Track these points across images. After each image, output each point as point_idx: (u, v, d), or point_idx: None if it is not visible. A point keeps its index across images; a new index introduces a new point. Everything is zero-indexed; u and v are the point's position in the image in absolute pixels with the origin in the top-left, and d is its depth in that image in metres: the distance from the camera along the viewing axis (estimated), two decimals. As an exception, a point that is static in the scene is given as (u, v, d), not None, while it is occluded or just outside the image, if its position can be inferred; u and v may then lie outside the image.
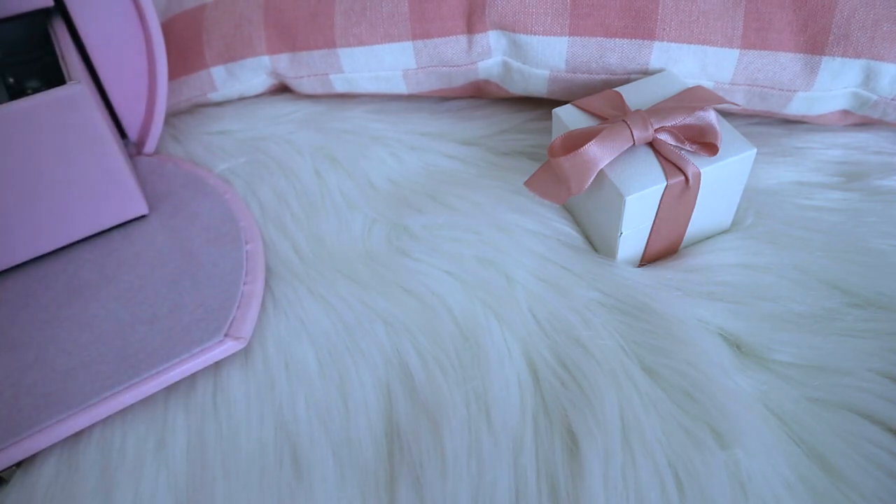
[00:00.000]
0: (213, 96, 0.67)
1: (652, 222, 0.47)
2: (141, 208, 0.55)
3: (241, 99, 0.69)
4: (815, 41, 0.50)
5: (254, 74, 0.65)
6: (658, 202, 0.45)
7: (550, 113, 0.64)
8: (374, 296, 0.50)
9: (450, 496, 0.39)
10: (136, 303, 0.49)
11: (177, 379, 0.45)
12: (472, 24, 0.55)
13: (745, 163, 0.46)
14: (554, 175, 0.47)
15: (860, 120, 0.56)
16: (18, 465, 0.43)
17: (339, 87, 0.63)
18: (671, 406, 0.41)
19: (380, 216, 0.56)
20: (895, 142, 0.57)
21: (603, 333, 0.45)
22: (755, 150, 0.46)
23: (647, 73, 0.54)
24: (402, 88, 0.62)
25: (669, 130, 0.45)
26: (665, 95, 0.50)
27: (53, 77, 0.57)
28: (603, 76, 0.55)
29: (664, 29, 0.51)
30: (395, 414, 0.43)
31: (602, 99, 0.50)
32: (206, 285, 0.50)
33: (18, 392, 0.44)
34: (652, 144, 0.46)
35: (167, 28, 0.68)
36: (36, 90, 0.56)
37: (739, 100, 0.54)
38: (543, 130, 0.62)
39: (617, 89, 0.51)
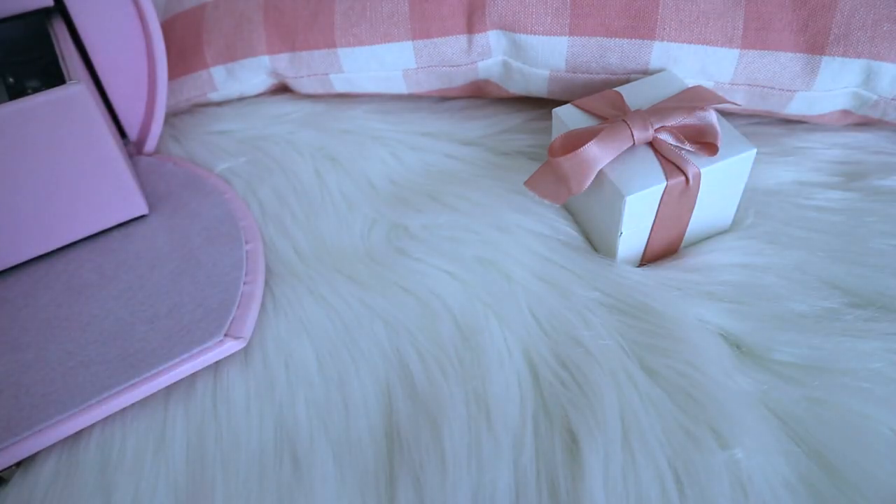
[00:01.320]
0: (213, 96, 0.67)
1: (652, 222, 0.47)
2: (141, 208, 0.55)
3: (241, 99, 0.69)
4: (816, 41, 0.50)
5: (254, 74, 0.65)
6: (658, 202, 0.45)
7: (550, 113, 0.64)
8: (374, 296, 0.50)
9: (450, 496, 0.39)
10: (135, 303, 0.49)
11: (177, 379, 0.45)
12: (472, 23, 0.55)
13: (745, 163, 0.46)
14: (554, 175, 0.47)
15: (860, 120, 0.56)
16: (18, 464, 0.43)
17: (339, 87, 0.63)
18: (671, 406, 0.41)
19: (380, 216, 0.56)
20: (895, 142, 0.57)
21: (603, 333, 0.45)
22: (755, 150, 0.46)
23: (647, 73, 0.54)
24: (402, 88, 0.62)
25: (669, 130, 0.45)
26: (665, 95, 0.50)
27: (53, 77, 0.57)
28: (603, 76, 0.55)
29: (664, 29, 0.51)
30: (395, 414, 0.43)
31: (602, 99, 0.50)
32: (206, 285, 0.50)
33: (18, 392, 0.44)
34: (652, 144, 0.46)
35: (167, 28, 0.68)
36: (36, 90, 0.56)
37: (739, 100, 0.54)
38: (543, 130, 0.62)
39: (617, 89, 0.51)
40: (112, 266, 0.52)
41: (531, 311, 0.47)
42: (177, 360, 0.45)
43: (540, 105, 0.65)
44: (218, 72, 0.65)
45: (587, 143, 0.44)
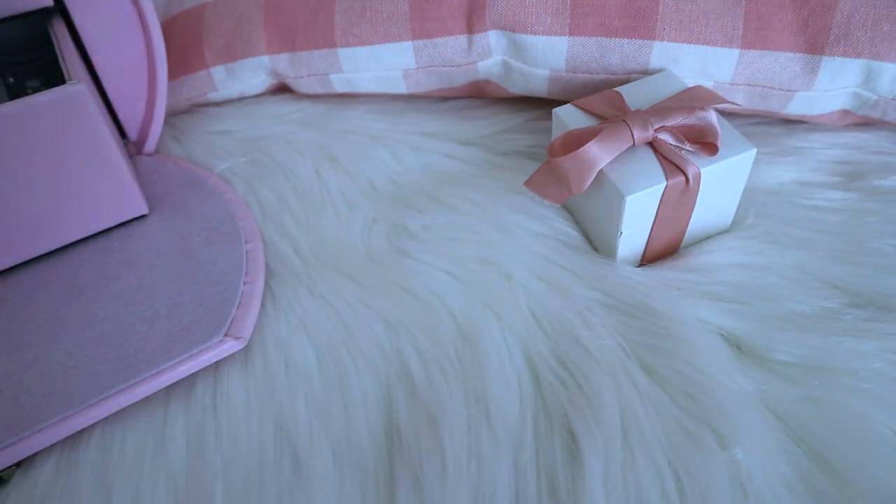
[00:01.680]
0: (213, 96, 0.67)
1: (652, 222, 0.47)
2: (141, 208, 0.55)
3: (241, 99, 0.69)
4: (816, 41, 0.50)
5: (254, 74, 0.65)
6: (658, 202, 0.45)
7: (550, 113, 0.64)
8: (374, 296, 0.50)
9: (450, 496, 0.39)
10: (135, 303, 0.49)
11: (177, 379, 0.45)
12: (472, 23, 0.55)
13: (745, 163, 0.46)
14: (554, 175, 0.47)
15: (860, 120, 0.56)
16: (18, 465, 0.43)
17: (339, 87, 0.63)
18: (671, 406, 0.41)
19: (380, 216, 0.56)
20: (895, 142, 0.57)
21: (603, 333, 0.45)
22: (755, 150, 0.46)
23: (647, 72, 0.54)
24: (402, 88, 0.62)
25: (669, 130, 0.45)
26: (665, 95, 0.50)
27: (53, 77, 0.57)
28: (603, 76, 0.55)
29: (664, 29, 0.51)
30: (395, 414, 0.43)
31: (602, 99, 0.50)
32: (206, 285, 0.50)
33: (18, 392, 0.44)
34: (652, 144, 0.46)
35: (167, 28, 0.68)
36: (36, 90, 0.56)
37: (739, 100, 0.54)
38: (543, 130, 0.62)
39: (617, 89, 0.51)
40: (112, 266, 0.52)
41: (531, 311, 0.47)
42: (177, 360, 0.45)
43: (540, 105, 0.65)
44: (218, 72, 0.65)
45: (587, 143, 0.44)
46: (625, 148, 0.45)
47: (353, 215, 0.56)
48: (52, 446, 0.44)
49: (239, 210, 0.56)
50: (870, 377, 0.41)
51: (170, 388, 0.47)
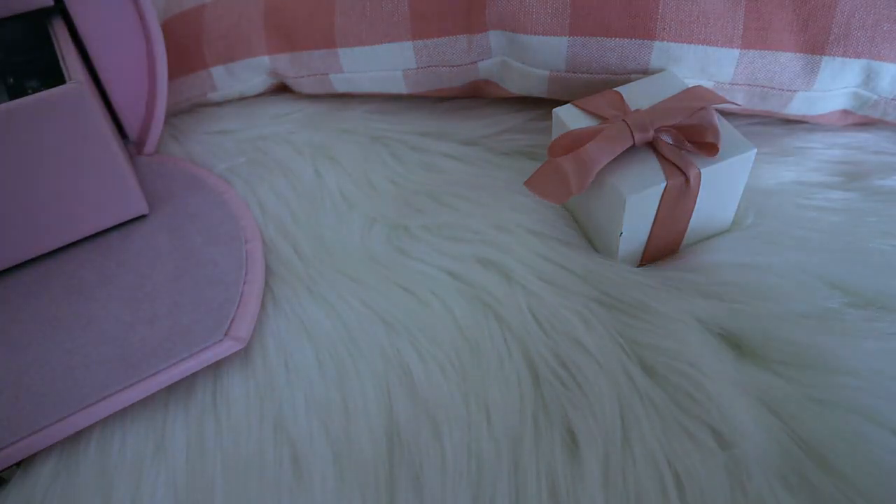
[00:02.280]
0: (213, 96, 0.67)
1: (652, 222, 0.47)
2: (141, 208, 0.55)
3: (241, 99, 0.69)
4: (816, 41, 0.50)
5: (254, 74, 0.65)
6: (658, 202, 0.45)
7: (550, 113, 0.64)
8: (374, 296, 0.50)
9: (450, 496, 0.39)
10: (135, 302, 0.49)
11: (176, 378, 0.45)
12: (471, 23, 0.55)
13: (745, 163, 0.46)
14: (554, 175, 0.47)
15: (860, 120, 0.56)
16: (18, 464, 0.43)
17: (339, 87, 0.63)
18: (671, 406, 0.41)
19: (380, 216, 0.56)
20: (895, 142, 0.57)
21: (603, 333, 0.45)
22: (755, 150, 0.46)
23: (647, 72, 0.54)
24: (402, 88, 0.62)
25: (669, 130, 0.45)
26: (665, 95, 0.50)
27: (53, 77, 0.57)
28: (603, 76, 0.55)
29: (664, 29, 0.51)
30: (395, 414, 0.43)
31: (602, 99, 0.50)
32: (206, 285, 0.50)
33: (18, 392, 0.44)
34: (652, 144, 0.46)
35: (167, 28, 0.68)
36: (36, 90, 0.56)
37: (740, 100, 0.54)
38: (543, 130, 0.62)
39: (617, 89, 0.51)
40: (112, 266, 0.52)
41: (531, 311, 0.47)
42: (176, 360, 0.45)
43: (540, 105, 0.65)
44: (218, 72, 0.65)
45: (587, 143, 0.44)
46: (625, 148, 0.45)
47: (352, 215, 0.56)
48: (52, 446, 0.44)
49: (239, 210, 0.56)
50: (870, 377, 0.41)
51: (170, 388, 0.47)
